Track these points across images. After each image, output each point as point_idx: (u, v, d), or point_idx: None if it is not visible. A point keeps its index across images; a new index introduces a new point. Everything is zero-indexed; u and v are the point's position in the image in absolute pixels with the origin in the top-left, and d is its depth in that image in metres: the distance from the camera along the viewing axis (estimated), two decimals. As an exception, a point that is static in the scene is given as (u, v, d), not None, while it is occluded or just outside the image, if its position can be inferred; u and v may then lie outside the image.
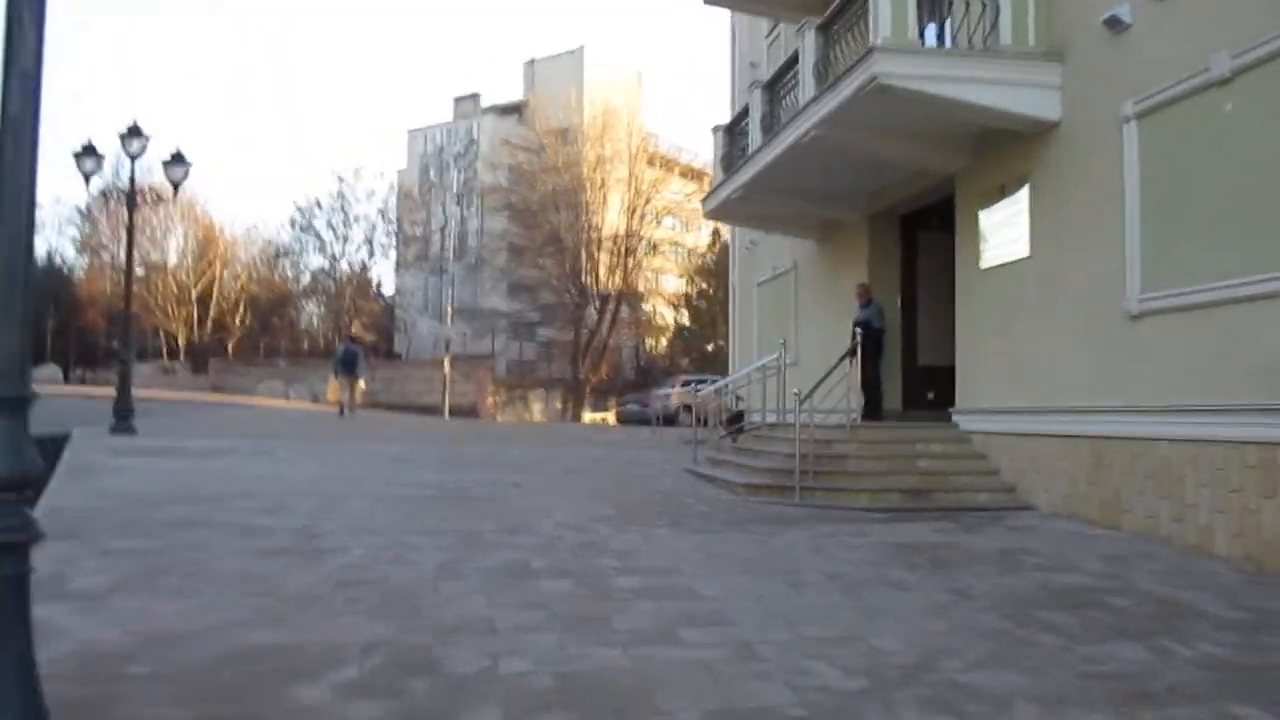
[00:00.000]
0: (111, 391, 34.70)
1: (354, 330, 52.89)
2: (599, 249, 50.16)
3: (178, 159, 14.45)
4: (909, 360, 12.83)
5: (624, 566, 6.12)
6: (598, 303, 50.49)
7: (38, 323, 57.95)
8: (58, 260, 72.71)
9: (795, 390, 9.74)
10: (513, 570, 5.94)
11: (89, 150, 13.99)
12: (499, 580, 5.66)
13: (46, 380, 48.22)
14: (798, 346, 14.28)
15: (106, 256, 69.28)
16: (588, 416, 48.03)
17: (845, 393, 10.63)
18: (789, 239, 15.24)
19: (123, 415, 14.17)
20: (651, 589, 5.52)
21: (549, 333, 58.78)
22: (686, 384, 29.03)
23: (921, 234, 13.03)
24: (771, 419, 12.66)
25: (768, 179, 12.32)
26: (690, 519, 8.21)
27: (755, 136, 12.75)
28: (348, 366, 25.05)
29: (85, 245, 71.43)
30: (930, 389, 12.54)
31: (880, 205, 12.71)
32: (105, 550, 6.20)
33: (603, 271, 50.48)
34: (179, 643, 4.32)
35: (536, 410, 49.08)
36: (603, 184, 51.18)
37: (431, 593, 5.31)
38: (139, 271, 68.29)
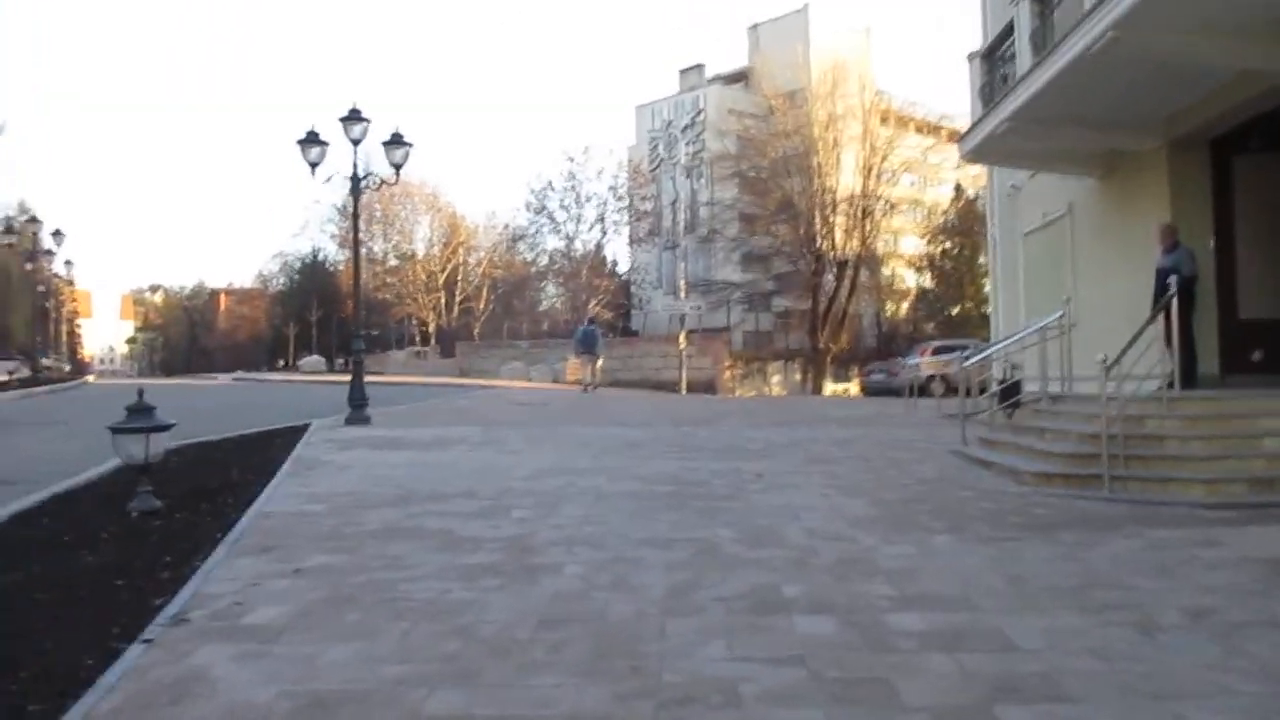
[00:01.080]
0: (367, 378, 36.35)
1: (591, 310, 53.37)
2: (834, 212, 47.92)
3: (397, 140, 14.10)
4: (1227, 314, 10.58)
5: (900, 595, 4.75)
6: (835, 268, 48.31)
7: (302, 315, 62.01)
8: (321, 256, 78.14)
9: (1101, 356, 7.90)
10: (759, 600, 4.71)
11: (313, 138, 13.84)
12: (742, 616, 4.44)
13: (311, 369, 51.54)
14: (1076, 303, 12.20)
15: (363, 250, 73.80)
16: (829, 388, 46.17)
17: (1148, 356, 8.67)
18: (1062, 179, 13.13)
19: (357, 405, 14.03)
20: (943, 633, 4.14)
21: (785, 302, 57.13)
22: (938, 351, 26.80)
23: (1237, 160, 10.70)
24: (1053, 389, 10.77)
25: (1040, 106, 10.41)
26: (974, 521, 6.68)
27: (1023, 59, 10.87)
28: (587, 346, 26.00)
29: (344, 241, 76.27)
30: (1256, 347, 10.30)
31: (1185, 127, 10.49)
32: (298, 568, 5.46)
33: (839, 235, 48.22)
34: (339, 712, 3.37)
35: (775, 383, 47.71)
36: (835, 144, 48.82)
37: (657, 636, 4.16)
38: (392, 262, 72.32)
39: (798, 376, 49.29)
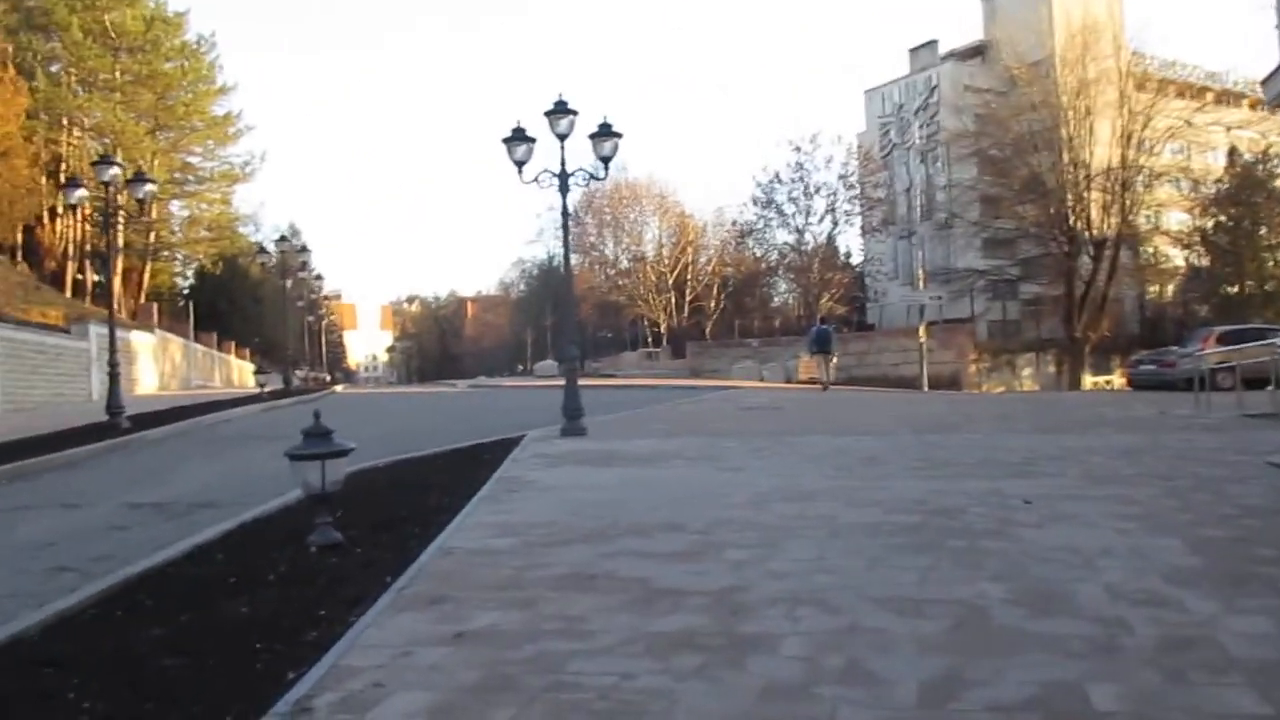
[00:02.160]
0: (596, 381, 36.26)
1: (823, 304, 51.50)
2: (1088, 188, 43.88)
3: (605, 132, 13.24)
4: None
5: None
6: (1091, 249, 44.17)
7: (539, 321, 63.66)
8: (556, 262, 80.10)
9: None
10: (1056, 713, 3.29)
11: (519, 136, 13.21)
12: (1036, 746, 3.05)
13: (545, 374, 52.36)
14: None
15: (595, 254, 74.85)
16: (1088, 381, 42.23)
17: None
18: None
19: (572, 416, 13.27)
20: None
21: (1034, 288, 53.04)
22: (1226, 338, 23.42)
23: None
24: None
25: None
26: (1348, 574, 4.89)
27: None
28: (821, 345, 26.64)
29: (577, 245, 77.76)
30: None
31: None
32: (460, 632, 4.51)
33: (1094, 213, 44.10)
34: None
35: (1026, 377, 44.21)
36: (1087, 113, 44.72)
37: (910, 781, 2.85)
38: (623, 264, 73.03)
39: (1051, 369, 45.51)
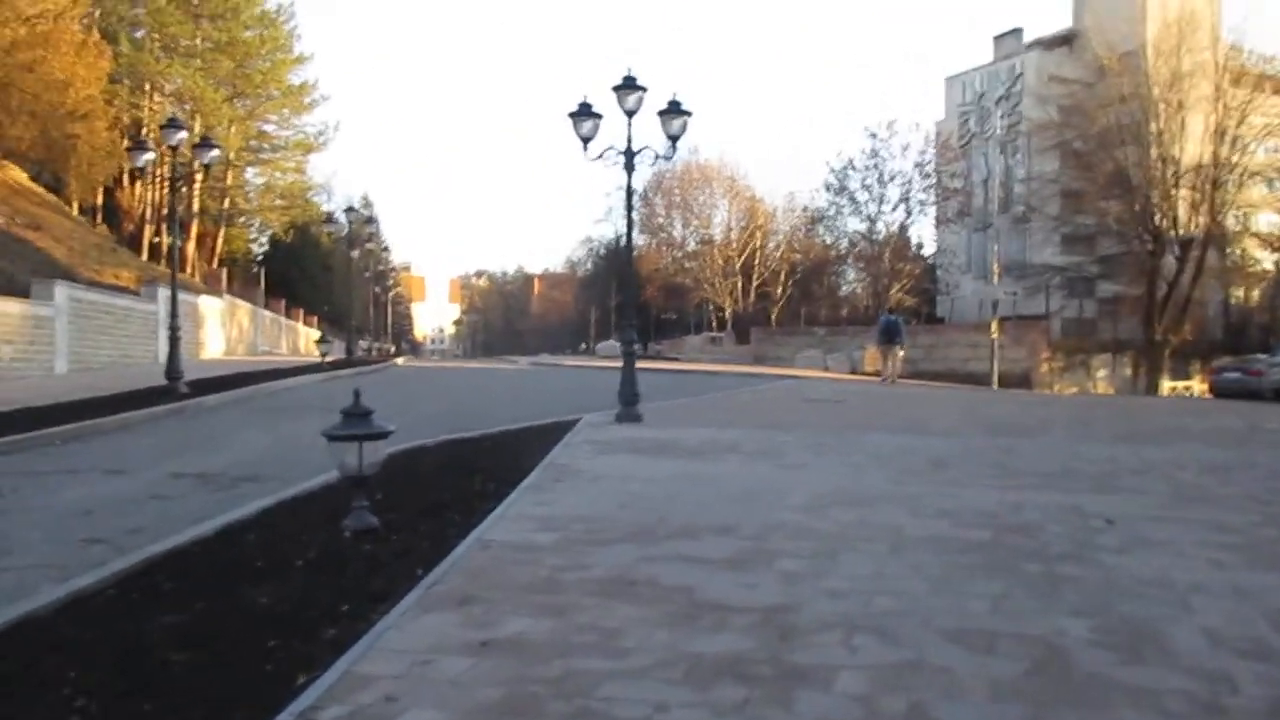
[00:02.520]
0: (658, 365, 35.88)
1: (893, 295, 50.45)
2: (1176, 185, 42.17)
3: (674, 109, 12.79)
4: None
5: None
6: (1176, 249, 42.50)
7: (602, 300, 63.46)
8: (623, 242, 79.76)
9: None
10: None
11: (585, 111, 12.82)
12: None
13: (607, 354, 52.08)
14: None
15: (663, 235, 74.31)
16: (1166, 386, 40.76)
17: None
18: None
19: (628, 402, 12.91)
20: None
21: (1112, 287, 51.31)
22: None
23: None
24: None
25: None
26: None
27: None
28: (889, 336, 26.05)
29: (645, 226, 77.24)
30: None
31: None
32: (486, 641, 4.17)
33: (1182, 211, 42.41)
34: None
35: (1100, 378, 42.84)
36: (1179, 107, 42.98)
37: None
38: (691, 247, 72.39)
39: (1127, 371, 44.05)
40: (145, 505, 8.02)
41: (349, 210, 34.47)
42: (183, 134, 15.87)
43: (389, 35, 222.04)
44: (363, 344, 46.48)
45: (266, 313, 43.74)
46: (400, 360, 38.62)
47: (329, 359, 26.46)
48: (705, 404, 16.63)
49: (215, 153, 16.60)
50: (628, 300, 14.32)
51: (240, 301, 38.75)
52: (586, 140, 12.88)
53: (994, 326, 36.83)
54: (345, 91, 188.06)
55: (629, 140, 12.88)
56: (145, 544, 6.35)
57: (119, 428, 12.70)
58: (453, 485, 8.14)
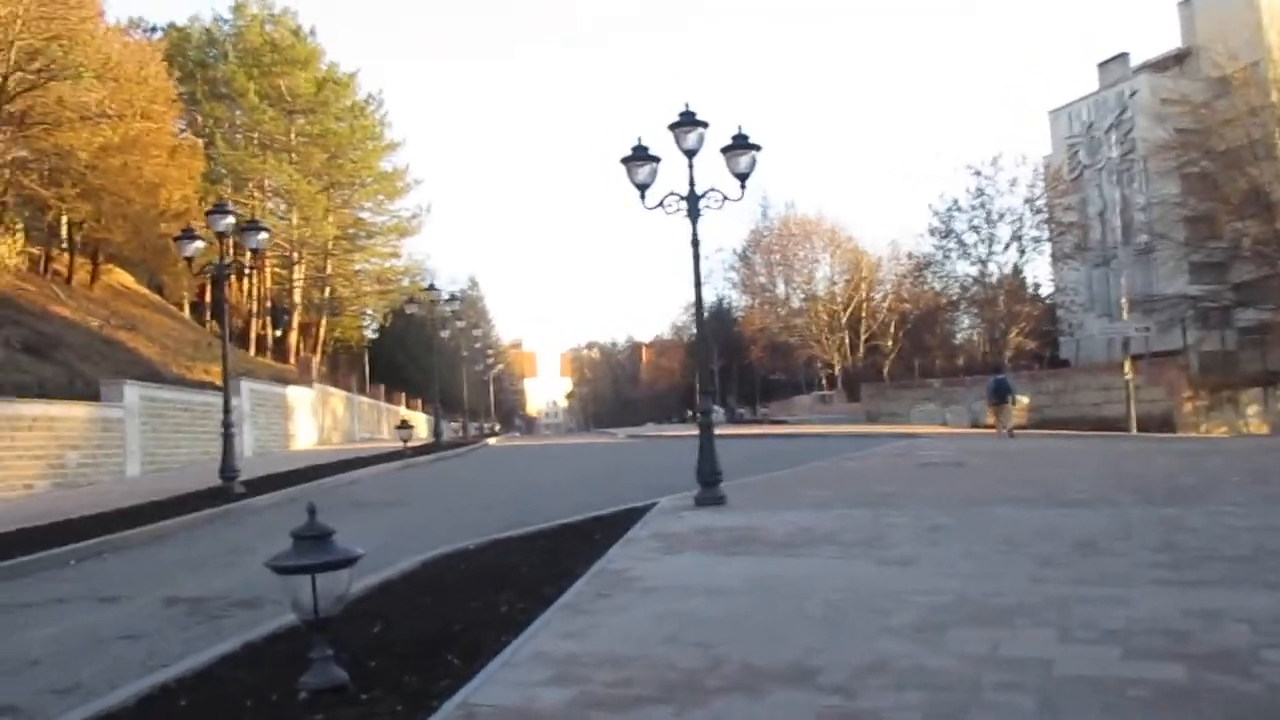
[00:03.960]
0: (759, 430, 33.94)
1: (1011, 340, 47.51)
2: (1321, 198, 38.56)
3: (741, 144, 11.21)
4: None
5: None
6: (1329, 267, 38.71)
7: (704, 364, 61.76)
8: (726, 304, 78.05)
9: None
10: None
11: (641, 154, 11.35)
12: None
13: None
14: None
15: (767, 294, 72.46)
16: (1334, 421, 36.77)
17: None
18: None
19: (708, 482, 11.18)
20: None
21: (1255, 315, 47.16)
22: None
23: None
24: None
25: None
26: None
27: None
28: (1000, 396, 26.23)
29: (746, 286, 75.51)
30: None
31: None
32: None
33: (1334, 226, 38.68)
34: None
35: (1252, 415, 38.86)
36: (1318, 114, 39.47)
37: None
38: (795, 304, 70.33)
39: (1281, 407, 39.98)
40: (109, 648, 6.68)
41: (429, 288, 33.81)
42: (230, 219, 15.02)
43: (490, 115, 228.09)
44: (454, 425, 45.63)
45: (363, 399, 43.42)
46: (493, 440, 37.48)
47: (409, 444, 25.37)
48: (803, 476, 14.70)
49: (264, 236, 15.73)
50: (703, 364, 12.68)
51: (333, 389, 38.40)
52: (643, 188, 11.40)
53: (1127, 366, 33.80)
54: (448, 175, 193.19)
55: (691, 184, 11.33)
56: (62, 712, 5.01)
57: (151, 539, 11.56)
58: (471, 607, 6.59)
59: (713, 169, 11.98)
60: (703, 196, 11.32)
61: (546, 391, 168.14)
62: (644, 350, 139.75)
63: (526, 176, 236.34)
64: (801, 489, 12.62)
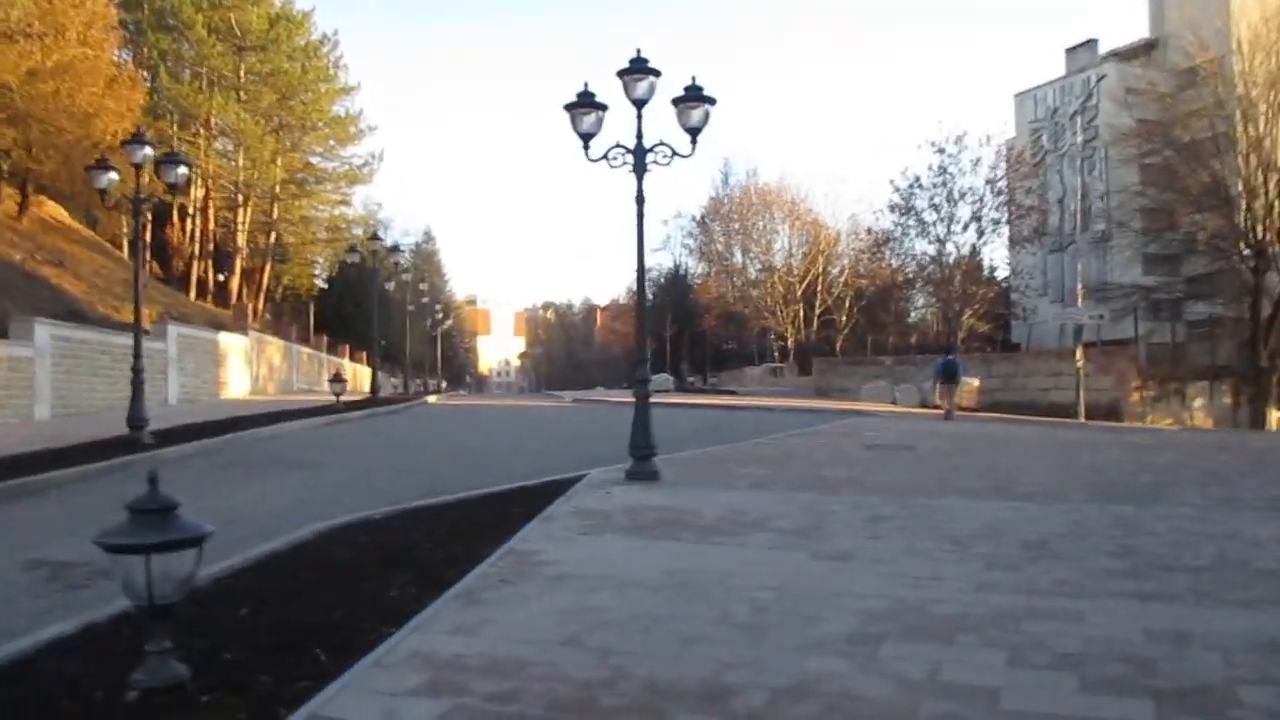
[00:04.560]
0: (706, 400, 33.35)
1: (964, 321, 47.41)
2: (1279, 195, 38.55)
3: (693, 96, 10.43)
4: None
5: None
6: (1281, 265, 38.77)
7: (660, 331, 61.00)
8: (682, 271, 77.33)
9: None
10: None
11: (586, 101, 10.54)
12: None
13: (657, 388, 49.52)
14: None
15: (725, 263, 71.74)
16: (1275, 417, 37.04)
17: None
18: None
19: (641, 455, 10.51)
20: None
21: (1205, 309, 47.42)
22: None
23: None
24: None
25: None
26: None
27: None
28: (948, 376, 26.20)
29: (703, 253, 74.78)
30: None
31: None
32: None
33: (1286, 222, 38.69)
34: None
35: (1197, 408, 39.08)
36: (1280, 106, 39.30)
37: None
38: (751, 274, 69.68)
39: (1227, 400, 40.24)
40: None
41: (373, 238, 32.60)
42: (147, 150, 13.96)
43: (456, 65, 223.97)
44: (394, 381, 44.51)
45: (304, 349, 42.09)
46: (433, 398, 36.42)
47: (342, 399, 24.40)
48: (745, 453, 14.08)
49: (182, 170, 14.66)
50: (640, 329, 11.98)
51: (271, 338, 37.11)
52: (587, 138, 10.60)
53: (1079, 353, 33.69)
54: (408, 127, 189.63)
55: (639, 136, 10.56)
56: None
57: (35, 491, 10.64)
58: (361, 590, 5.88)
59: (667, 124, 11.26)
60: (650, 150, 10.56)
61: (499, 350, 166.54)
62: (599, 313, 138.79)
63: (488, 132, 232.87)
64: (740, 467, 11.99)
